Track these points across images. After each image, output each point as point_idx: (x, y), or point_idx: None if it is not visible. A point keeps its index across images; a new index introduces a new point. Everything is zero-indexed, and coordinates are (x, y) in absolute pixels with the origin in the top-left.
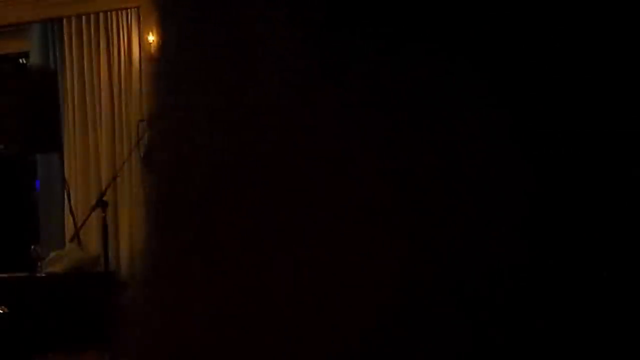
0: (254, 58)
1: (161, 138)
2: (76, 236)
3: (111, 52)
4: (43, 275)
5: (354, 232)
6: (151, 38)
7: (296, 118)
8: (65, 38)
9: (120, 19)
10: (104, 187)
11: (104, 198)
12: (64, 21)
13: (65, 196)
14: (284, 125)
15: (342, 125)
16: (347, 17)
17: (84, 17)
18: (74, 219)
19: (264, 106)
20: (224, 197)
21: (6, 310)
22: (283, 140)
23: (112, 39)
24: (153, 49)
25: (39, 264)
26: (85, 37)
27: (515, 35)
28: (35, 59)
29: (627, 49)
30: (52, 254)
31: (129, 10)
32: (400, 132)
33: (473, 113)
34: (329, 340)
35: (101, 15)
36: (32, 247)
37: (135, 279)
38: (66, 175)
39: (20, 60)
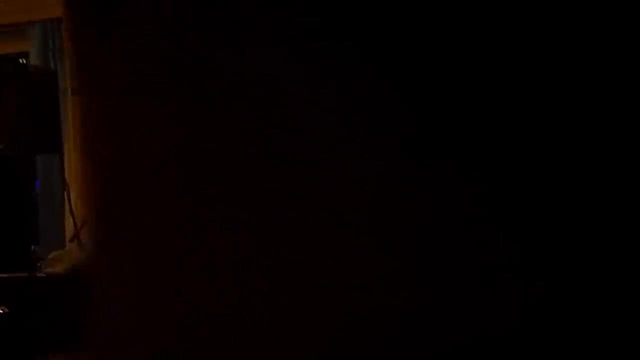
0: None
1: (119, 138)
2: (76, 236)
3: None
4: (43, 275)
5: (326, 234)
6: None
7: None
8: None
9: None
10: None
11: None
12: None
13: (66, 196)
14: (249, 126)
15: (314, 128)
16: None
17: None
18: (73, 219)
19: (224, 109)
20: (196, 199)
21: (6, 310)
22: (254, 142)
23: None
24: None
25: (39, 264)
26: None
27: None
28: (35, 59)
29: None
30: (52, 254)
31: None
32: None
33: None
34: (306, 341)
35: None
36: (32, 247)
37: (105, 280)
38: (66, 175)
39: (20, 60)
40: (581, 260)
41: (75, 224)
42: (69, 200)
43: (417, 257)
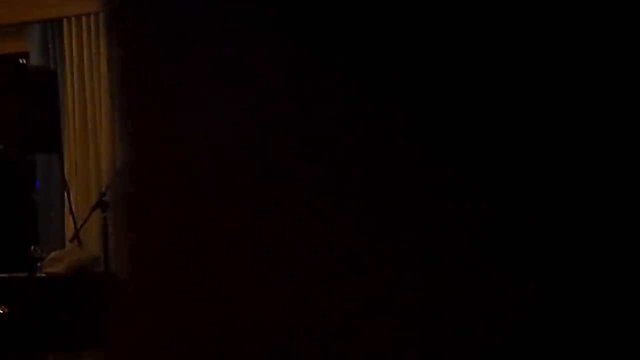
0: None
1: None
2: (76, 236)
3: None
4: (43, 275)
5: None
6: None
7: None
8: (65, 38)
9: None
10: (104, 188)
11: (104, 198)
12: (64, 21)
13: (65, 196)
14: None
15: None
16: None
17: (84, 17)
18: (74, 219)
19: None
20: (204, 202)
21: (6, 310)
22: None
23: None
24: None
25: (39, 264)
26: (85, 37)
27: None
28: (35, 59)
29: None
30: (52, 254)
31: None
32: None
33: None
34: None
35: (101, 15)
36: (32, 247)
37: (123, 281)
38: (66, 175)
39: (20, 60)
40: (576, 261)
41: (75, 224)
42: (69, 200)
43: (415, 254)
